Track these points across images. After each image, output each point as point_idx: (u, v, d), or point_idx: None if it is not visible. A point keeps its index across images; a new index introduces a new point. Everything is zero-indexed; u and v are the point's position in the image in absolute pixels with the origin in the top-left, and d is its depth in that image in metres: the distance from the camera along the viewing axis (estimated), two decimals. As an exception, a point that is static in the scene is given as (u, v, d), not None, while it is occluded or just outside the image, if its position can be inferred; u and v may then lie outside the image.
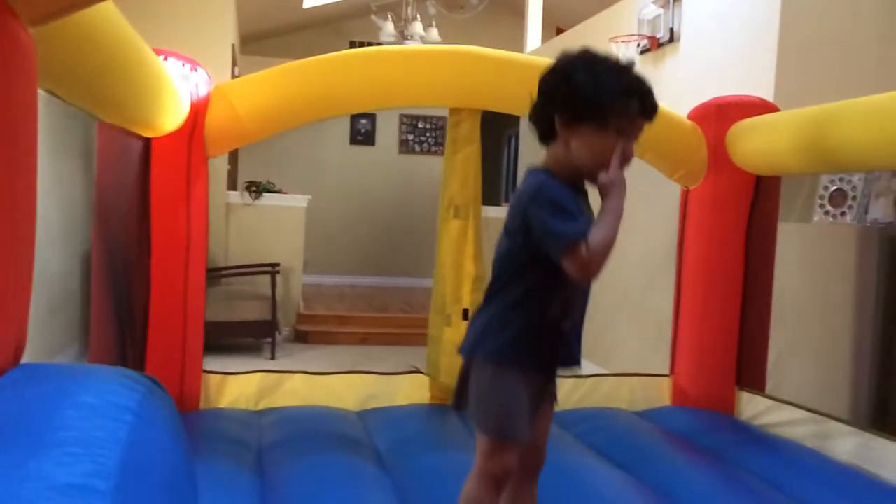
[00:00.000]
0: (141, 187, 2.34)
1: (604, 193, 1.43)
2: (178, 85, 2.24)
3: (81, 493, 0.70)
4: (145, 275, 2.40)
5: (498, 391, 1.47)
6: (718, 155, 2.76)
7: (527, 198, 1.43)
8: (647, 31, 4.30)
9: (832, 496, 2.05)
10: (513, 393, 1.47)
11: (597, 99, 1.37)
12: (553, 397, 1.63)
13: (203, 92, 2.39)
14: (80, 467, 0.72)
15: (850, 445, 2.36)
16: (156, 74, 1.94)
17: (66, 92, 1.59)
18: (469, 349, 1.51)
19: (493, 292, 1.51)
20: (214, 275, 5.71)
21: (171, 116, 2.18)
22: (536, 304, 1.47)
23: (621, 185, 1.42)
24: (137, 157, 2.33)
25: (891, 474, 2.18)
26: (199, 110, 2.38)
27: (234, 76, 5.96)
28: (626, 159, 1.42)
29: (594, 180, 1.45)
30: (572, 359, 1.56)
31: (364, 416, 2.70)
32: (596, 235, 1.38)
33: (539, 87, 1.45)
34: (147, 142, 2.33)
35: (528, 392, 1.49)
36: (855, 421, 2.74)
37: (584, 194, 1.51)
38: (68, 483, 0.71)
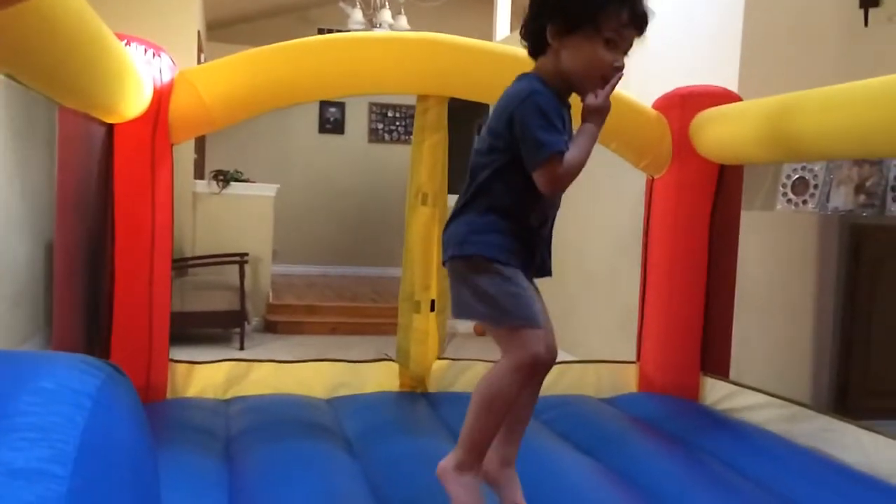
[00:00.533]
0: (104, 174, 2.30)
1: (587, 114, 1.45)
2: (141, 70, 2.21)
3: (39, 477, 0.70)
4: (109, 263, 2.37)
5: (504, 281, 1.45)
6: (682, 144, 2.79)
7: (517, 100, 1.42)
8: (614, 21, 4.32)
9: (792, 478, 2.09)
10: (517, 283, 1.46)
11: (588, 6, 1.39)
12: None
13: (167, 77, 2.36)
14: (37, 452, 0.71)
15: (810, 429, 2.41)
16: (118, 59, 1.91)
17: (26, 76, 1.56)
18: (458, 250, 1.47)
19: (473, 195, 1.49)
20: (182, 265, 5.64)
21: (133, 102, 2.15)
22: (518, 208, 1.47)
23: (605, 111, 1.44)
24: (100, 144, 2.30)
25: (849, 456, 2.23)
26: (162, 96, 2.34)
27: (200, 63, 5.88)
28: (617, 72, 1.43)
29: (582, 93, 1.46)
30: (546, 269, 1.56)
31: (333, 403, 2.70)
32: (572, 154, 1.40)
33: (529, 8, 1.47)
34: (110, 128, 2.30)
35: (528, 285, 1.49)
36: (816, 405, 2.81)
37: (568, 108, 1.52)
38: (25, 468, 0.70)
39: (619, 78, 1.44)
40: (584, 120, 1.46)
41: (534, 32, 1.47)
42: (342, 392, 2.80)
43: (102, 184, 2.32)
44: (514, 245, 1.48)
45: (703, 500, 1.94)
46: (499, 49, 2.63)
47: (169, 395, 2.60)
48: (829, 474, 2.13)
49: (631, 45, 1.45)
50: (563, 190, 1.45)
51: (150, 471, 0.93)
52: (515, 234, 1.48)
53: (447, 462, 1.48)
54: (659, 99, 2.91)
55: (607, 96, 1.43)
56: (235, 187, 6.08)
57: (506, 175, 1.45)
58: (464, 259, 1.47)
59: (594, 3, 1.39)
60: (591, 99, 1.43)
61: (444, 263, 1.53)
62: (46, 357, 0.87)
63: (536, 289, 1.58)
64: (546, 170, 1.39)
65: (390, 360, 2.90)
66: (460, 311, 1.51)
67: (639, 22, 1.44)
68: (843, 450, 2.26)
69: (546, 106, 1.40)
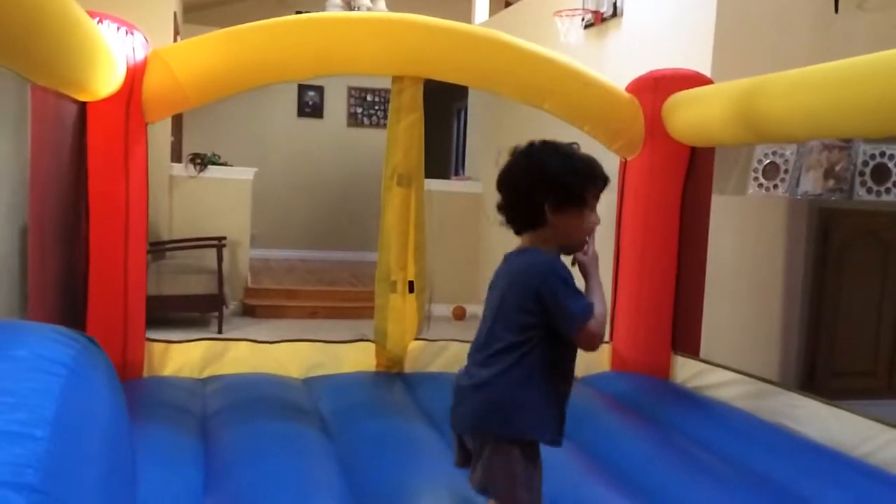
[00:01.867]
0: (77, 152, 2.29)
1: (585, 269, 1.61)
2: (113, 48, 2.20)
3: (18, 438, 0.71)
4: (84, 242, 2.36)
5: (532, 470, 1.50)
6: (655, 126, 2.83)
7: (539, 276, 1.51)
8: (591, 6, 4.35)
9: (756, 452, 2.15)
10: (539, 473, 1.52)
11: (580, 186, 1.54)
12: None
13: (140, 56, 2.35)
14: (16, 415, 0.73)
15: (776, 404, 2.47)
16: (89, 36, 1.90)
17: (-6, 52, 1.55)
18: (504, 428, 1.49)
19: (496, 359, 1.51)
20: (159, 248, 5.62)
21: (105, 80, 2.14)
22: (554, 377, 1.53)
23: (597, 258, 1.62)
24: (73, 122, 2.29)
25: (812, 430, 2.29)
26: (135, 74, 2.33)
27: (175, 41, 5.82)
28: (593, 229, 1.60)
29: (574, 251, 1.60)
30: (561, 437, 1.58)
31: (309, 383, 2.72)
32: (597, 309, 1.52)
33: (512, 182, 1.57)
34: (83, 106, 2.29)
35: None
36: (784, 382, 2.87)
37: None
38: (4, 430, 0.71)
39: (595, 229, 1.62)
40: (584, 272, 1.61)
41: (529, 209, 1.56)
42: (318, 372, 2.82)
43: (76, 162, 2.31)
44: (548, 418, 1.53)
45: (672, 474, 1.99)
46: (473, 31, 2.65)
47: (146, 374, 2.61)
48: (791, 447, 2.19)
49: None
50: (599, 344, 1.56)
51: (125, 436, 0.95)
52: (549, 404, 1.53)
53: None
54: (632, 82, 2.94)
55: (593, 248, 1.62)
56: (213, 171, 6.04)
57: (541, 344, 1.51)
58: (507, 437, 1.49)
59: (584, 182, 1.55)
60: (581, 257, 1.61)
61: (459, 428, 1.56)
62: (21, 327, 0.89)
63: None
64: (585, 332, 1.49)
65: (367, 340, 2.92)
66: (485, 479, 1.52)
67: (605, 186, 1.60)
68: (806, 424, 2.32)
69: (564, 274, 1.52)
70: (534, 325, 1.50)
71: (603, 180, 1.57)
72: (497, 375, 1.50)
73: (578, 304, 1.50)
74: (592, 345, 1.53)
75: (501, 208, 1.59)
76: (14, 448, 0.71)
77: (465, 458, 1.57)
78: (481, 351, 1.55)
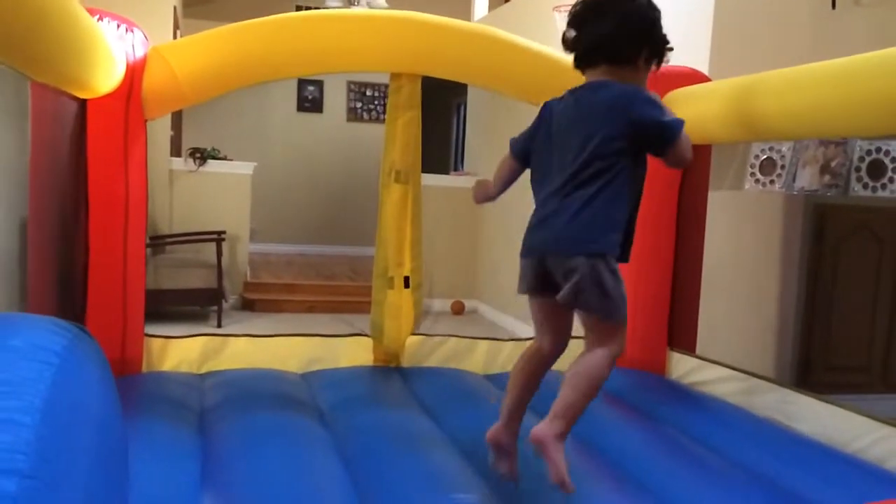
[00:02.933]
0: (77, 150, 2.31)
1: None
2: (113, 45, 2.21)
3: (5, 425, 0.73)
4: (84, 238, 2.38)
5: (619, 281, 1.62)
6: (652, 124, 2.83)
7: (627, 99, 1.61)
8: (590, 2, 4.35)
9: (750, 448, 2.17)
10: (623, 283, 1.64)
11: (663, 46, 1.71)
12: None
13: (139, 53, 2.36)
14: (5, 403, 0.75)
15: (770, 401, 2.49)
16: (89, 33, 1.91)
17: (-6, 50, 1.56)
18: (589, 247, 1.58)
19: (588, 184, 1.59)
20: (159, 243, 5.64)
21: (105, 77, 2.16)
22: (634, 200, 1.66)
23: None
24: (73, 119, 2.30)
25: (805, 426, 2.32)
26: (135, 71, 2.35)
27: (175, 40, 5.83)
28: None
29: None
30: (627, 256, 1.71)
31: (307, 377, 2.74)
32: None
33: (627, 10, 1.67)
34: (83, 103, 2.30)
35: None
36: (779, 380, 2.88)
37: None
38: None
39: None
40: None
41: (624, 50, 1.67)
42: (316, 367, 2.84)
43: (76, 158, 2.33)
44: (628, 238, 1.66)
45: (666, 469, 2.01)
46: (471, 28, 2.66)
47: (144, 369, 2.63)
48: (785, 443, 2.21)
49: None
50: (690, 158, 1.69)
51: (116, 423, 0.96)
52: (626, 230, 1.64)
53: (546, 431, 1.58)
54: (629, 79, 2.94)
55: None
56: (212, 165, 6.06)
57: (624, 169, 1.60)
58: (594, 255, 1.58)
59: (664, 43, 1.73)
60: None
61: (564, 254, 1.61)
62: (14, 317, 0.90)
63: None
64: (680, 143, 1.61)
65: (364, 335, 2.94)
66: (577, 301, 1.60)
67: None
68: (800, 420, 2.34)
69: (653, 96, 1.65)
70: (624, 150, 1.59)
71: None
72: (591, 197, 1.58)
73: (673, 118, 1.62)
74: (685, 157, 1.66)
75: (588, 30, 1.66)
76: (4, 435, 0.72)
77: (541, 284, 1.66)
78: (567, 184, 1.60)
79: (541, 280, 1.66)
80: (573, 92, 1.70)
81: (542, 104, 1.77)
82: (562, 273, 1.60)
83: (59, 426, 0.78)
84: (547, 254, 1.64)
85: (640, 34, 1.68)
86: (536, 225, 1.66)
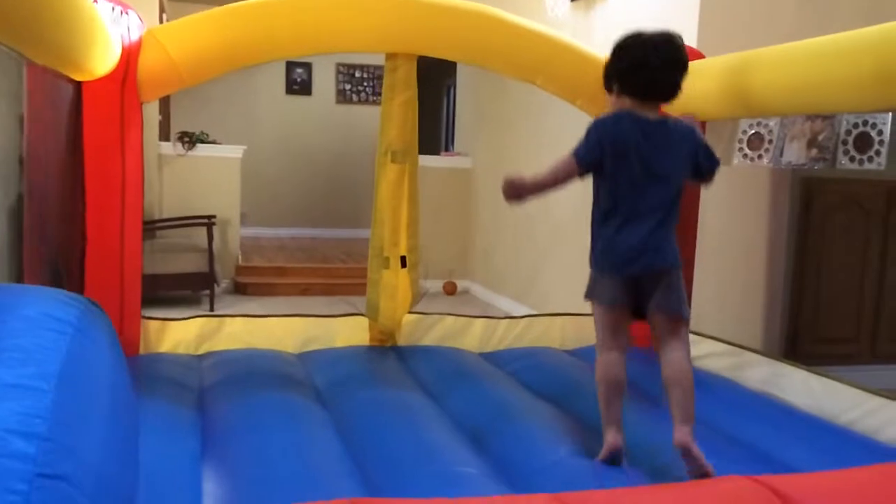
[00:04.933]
0: (73, 131, 2.31)
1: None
2: (109, 28, 2.21)
3: (25, 391, 0.76)
4: (81, 220, 2.39)
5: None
6: (645, 101, 2.85)
7: (696, 135, 1.95)
8: (579, -20, 4.36)
9: (743, 420, 2.21)
10: None
11: None
12: None
13: (135, 35, 2.36)
14: (24, 370, 0.77)
15: (761, 374, 2.54)
16: (86, 15, 1.91)
17: (-7, 31, 1.56)
18: (676, 262, 1.91)
19: (667, 217, 1.89)
20: (149, 227, 5.62)
21: (101, 59, 2.16)
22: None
23: None
24: (69, 101, 2.30)
25: (796, 398, 2.37)
26: (131, 54, 2.35)
27: (162, 22, 5.78)
28: None
29: None
30: None
31: (304, 357, 2.76)
32: None
33: (684, 61, 1.93)
34: (78, 85, 2.30)
35: None
36: (767, 351, 2.93)
37: None
38: (12, 383, 0.76)
39: None
40: None
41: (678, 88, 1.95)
42: (313, 346, 2.86)
43: (72, 140, 2.33)
44: None
45: (660, 442, 2.04)
46: (466, 7, 2.65)
47: (142, 351, 2.65)
48: (777, 415, 2.26)
49: None
50: None
51: (127, 391, 0.99)
52: None
53: (687, 437, 1.77)
54: (622, 56, 2.96)
55: None
56: (202, 149, 6.03)
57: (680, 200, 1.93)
58: (679, 268, 1.91)
59: None
60: None
61: (658, 268, 1.88)
62: (28, 290, 0.92)
63: None
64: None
65: (360, 315, 2.96)
66: (682, 307, 1.92)
67: None
68: (791, 393, 2.39)
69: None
70: (684, 179, 1.92)
71: None
72: (672, 223, 1.91)
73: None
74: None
75: (669, 77, 1.90)
76: (24, 400, 0.75)
77: (629, 296, 1.90)
78: (660, 209, 1.88)
79: (631, 292, 1.89)
80: (644, 120, 1.89)
81: (604, 117, 1.93)
82: (656, 285, 1.88)
83: (74, 392, 0.81)
84: (653, 271, 1.88)
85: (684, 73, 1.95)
86: (638, 246, 1.86)
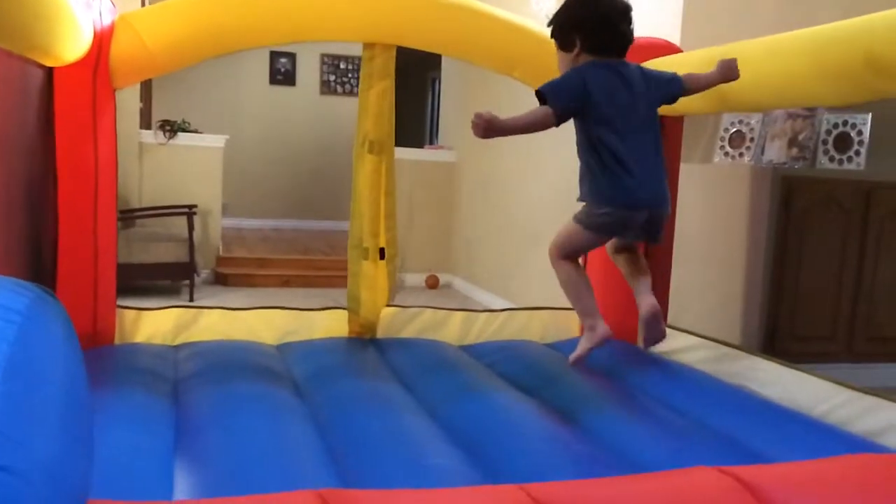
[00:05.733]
0: (44, 118, 2.27)
1: None
2: (79, 12, 2.17)
3: None
4: (53, 209, 2.35)
5: None
6: (625, 95, 2.84)
7: (652, 74, 2.19)
8: (564, -27, 4.35)
9: (720, 413, 2.22)
10: None
11: None
12: None
13: (107, 21, 2.32)
14: None
15: (739, 368, 2.54)
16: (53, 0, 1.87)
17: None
18: (668, 201, 2.22)
19: (658, 148, 2.14)
20: (129, 216, 5.57)
21: (71, 45, 2.11)
22: None
23: None
24: (39, 87, 2.26)
25: (773, 392, 2.37)
26: (102, 39, 2.30)
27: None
28: None
29: None
30: None
31: (282, 348, 2.74)
32: None
33: (630, 12, 2.13)
34: (49, 71, 2.26)
35: None
36: (746, 346, 2.94)
37: None
38: None
39: None
40: None
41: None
42: (291, 339, 2.84)
43: (43, 127, 2.29)
44: None
45: (635, 432, 2.05)
46: (444, -2, 2.64)
47: (117, 341, 2.62)
48: (753, 407, 2.26)
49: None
50: None
51: (81, 384, 0.96)
52: None
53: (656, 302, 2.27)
54: (603, 50, 2.95)
55: None
56: (183, 138, 5.98)
57: None
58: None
59: None
60: None
61: (663, 208, 2.19)
62: None
63: None
64: None
65: (340, 308, 2.94)
66: (657, 237, 2.26)
67: None
68: (767, 386, 2.40)
69: None
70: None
71: None
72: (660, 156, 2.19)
73: None
74: None
75: (628, 29, 2.11)
76: None
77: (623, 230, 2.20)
78: (653, 153, 2.12)
79: (624, 227, 2.15)
80: (615, 64, 2.06)
81: (580, 68, 2.06)
82: (652, 221, 2.18)
83: (24, 383, 0.78)
84: (659, 210, 2.16)
85: None
86: (643, 182, 2.09)
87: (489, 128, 1.96)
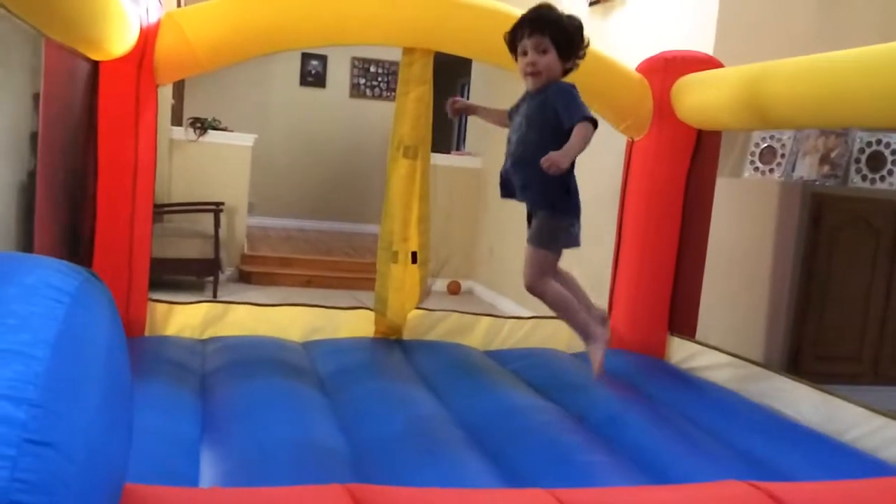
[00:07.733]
0: (88, 111, 2.31)
1: None
2: (128, 8, 2.21)
3: (18, 357, 0.76)
4: (92, 200, 2.39)
5: None
6: (663, 108, 2.84)
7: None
8: (598, -16, 4.35)
9: (742, 430, 2.21)
10: None
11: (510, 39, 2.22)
12: None
13: (153, 18, 2.36)
14: (17, 336, 0.77)
15: (763, 387, 2.53)
16: (106, -6, 1.91)
17: (11, 3, 1.56)
18: None
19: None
20: (157, 211, 5.62)
21: (119, 39, 2.16)
22: None
23: None
24: (85, 81, 2.30)
25: (794, 412, 2.36)
26: (148, 36, 2.35)
27: (180, 6, 5.78)
28: (530, 67, 2.13)
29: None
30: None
31: (308, 346, 2.76)
32: None
33: None
34: (95, 65, 2.30)
35: None
36: (769, 365, 2.92)
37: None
38: (7, 349, 0.76)
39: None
40: None
41: None
42: (316, 336, 2.86)
43: (86, 120, 2.33)
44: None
45: (662, 446, 2.04)
46: (486, 5, 2.65)
47: (147, 333, 2.65)
48: (778, 427, 2.25)
49: (538, 44, 2.10)
50: None
51: (123, 365, 0.99)
52: None
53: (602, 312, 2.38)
54: (643, 62, 2.95)
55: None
56: (213, 135, 6.03)
57: None
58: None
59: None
60: None
61: None
62: (28, 258, 0.92)
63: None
64: None
65: (366, 308, 2.96)
66: None
67: (524, 30, 2.11)
68: (788, 406, 2.39)
69: None
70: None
71: (519, 27, 2.12)
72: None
73: None
74: None
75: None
76: (15, 366, 0.75)
77: None
78: None
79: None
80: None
81: (572, 86, 2.20)
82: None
83: (69, 360, 0.81)
84: None
85: None
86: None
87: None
